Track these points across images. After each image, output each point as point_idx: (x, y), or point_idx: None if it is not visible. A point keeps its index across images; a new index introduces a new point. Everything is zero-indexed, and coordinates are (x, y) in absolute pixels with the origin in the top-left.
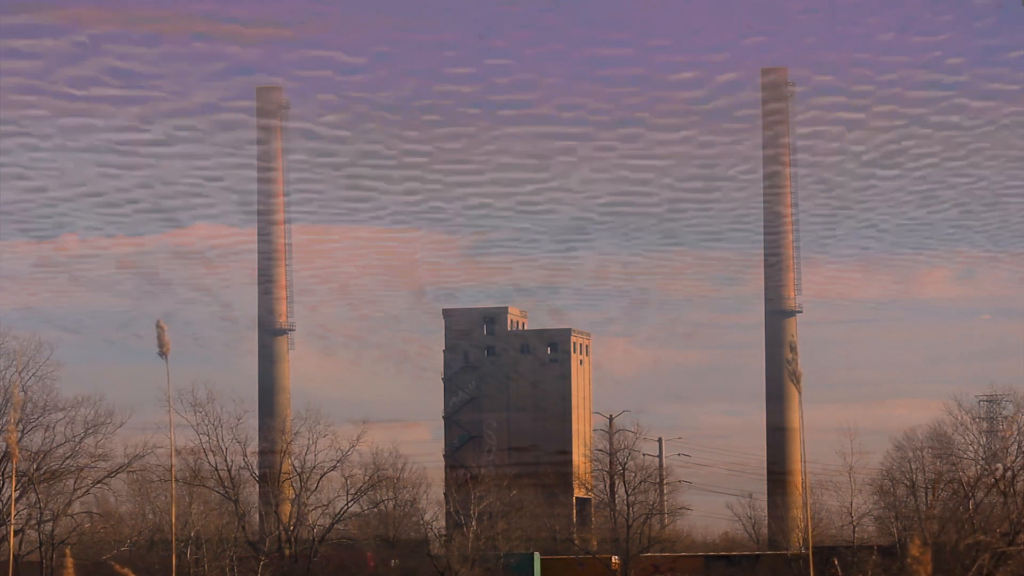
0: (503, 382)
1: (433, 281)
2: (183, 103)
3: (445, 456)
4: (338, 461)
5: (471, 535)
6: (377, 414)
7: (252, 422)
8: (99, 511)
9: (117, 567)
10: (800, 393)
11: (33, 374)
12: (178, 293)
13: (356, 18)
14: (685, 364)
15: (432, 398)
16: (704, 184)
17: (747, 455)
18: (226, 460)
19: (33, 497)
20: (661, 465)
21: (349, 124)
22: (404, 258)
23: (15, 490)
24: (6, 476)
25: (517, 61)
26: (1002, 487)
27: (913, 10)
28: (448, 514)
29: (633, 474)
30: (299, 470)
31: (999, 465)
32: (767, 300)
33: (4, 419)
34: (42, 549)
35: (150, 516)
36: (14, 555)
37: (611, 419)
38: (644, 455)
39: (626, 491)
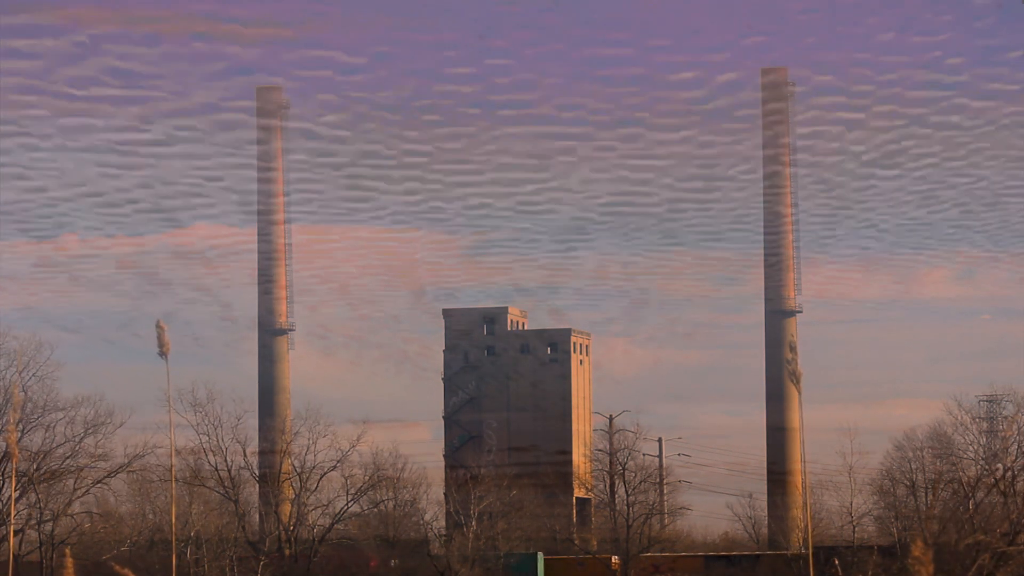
0: (503, 382)
1: (433, 281)
2: (183, 103)
3: (445, 456)
4: (338, 461)
5: (471, 535)
6: (377, 414)
7: (252, 422)
8: (99, 511)
9: (117, 568)
10: (800, 393)
11: (33, 374)
12: (178, 293)
13: (356, 18)
14: (685, 364)
15: (432, 398)
16: (704, 184)
17: (747, 455)
18: (226, 460)
19: (33, 497)
20: (661, 465)
21: (349, 124)
22: (404, 258)
23: (15, 490)
24: (6, 476)
25: (517, 61)
26: (1002, 487)
27: (913, 10)
28: (448, 514)
29: (633, 474)
30: (299, 470)
31: (999, 465)
32: (767, 300)
33: (4, 419)
34: (42, 549)
35: (150, 516)
36: (14, 555)
37: (611, 419)
38: (644, 455)
39: (626, 491)
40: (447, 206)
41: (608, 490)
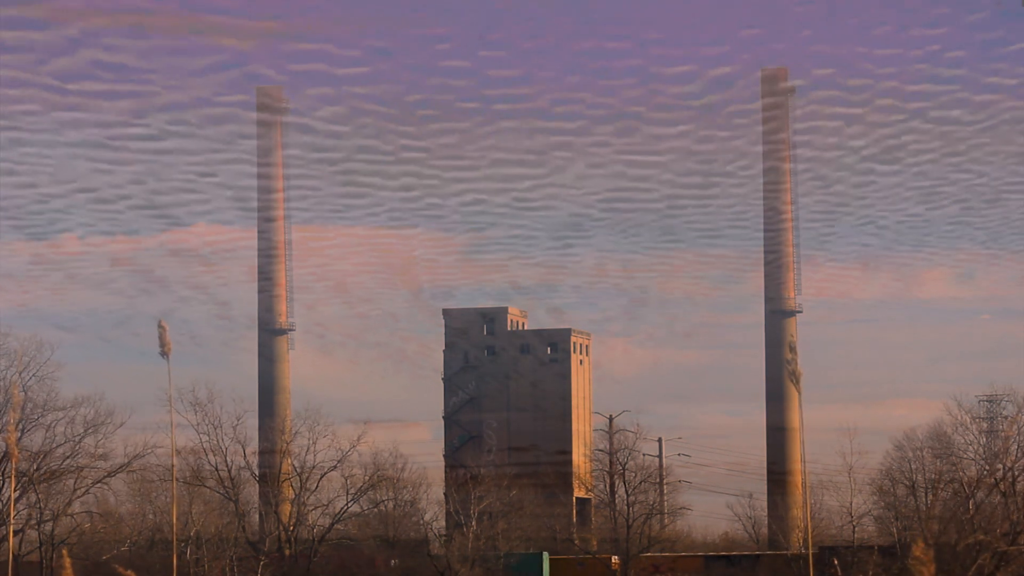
0: (503, 382)
1: (430, 279)
2: (179, 99)
3: (445, 456)
4: (338, 461)
5: (471, 535)
6: (377, 414)
7: (252, 422)
8: (99, 511)
9: (120, 568)
10: (800, 393)
11: (33, 374)
12: (177, 292)
13: (351, 13)
14: (685, 364)
15: (432, 398)
16: (702, 180)
17: (747, 455)
18: (226, 460)
19: (33, 497)
20: (661, 465)
21: (345, 120)
22: (402, 256)
23: (15, 490)
24: (6, 476)
25: (513, 56)
26: (1002, 487)
27: (911, 4)
28: (448, 514)
29: (633, 474)
30: (299, 470)
31: (999, 465)
32: (767, 300)
33: (4, 419)
34: (42, 549)
35: (150, 516)
36: (14, 555)
37: (611, 419)
38: (644, 455)
39: (626, 491)
40: (444, 203)
41: (608, 490)
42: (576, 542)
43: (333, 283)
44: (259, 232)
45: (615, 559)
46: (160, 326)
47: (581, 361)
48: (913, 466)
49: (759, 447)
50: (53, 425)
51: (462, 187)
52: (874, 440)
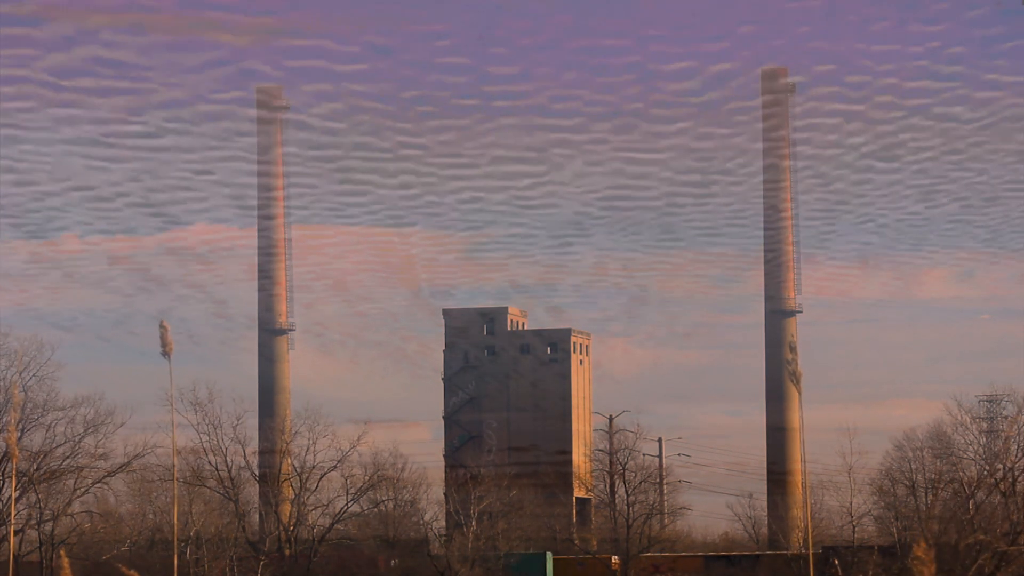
0: (503, 382)
1: (429, 277)
2: (177, 97)
3: (445, 456)
4: (338, 461)
5: (471, 535)
6: (377, 414)
7: (252, 422)
8: (99, 511)
9: (123, 568)
10: (800, 393)
11: (34, 374)
12: (177, 292)
13: (350, 10)
14: (685, 364)
15: (432, 398)
16: (702, 177)
17: (747, 455)
18: (226, 460)
19: (33, 497)
20: (661, 465)
21: (343, 117)
22: (401, 254)
23: (15, 490)
24: (6, 476)
25: (512, 52)
26: (1002, 487)
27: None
28: (448, 514)
29: (633, 474)
30: (299, 470)
31: (999, 465)
32: (767, 300)
33: (4, 419)
34: (42, 549)
35: (150, 516)
36: (14, 555)
37: (611, 419)
38: (644, 455)
39: (626, 491)
40: (442, 201)
41: (608, 490)
42: (576, 542)
43: (332, 282)
44: (259, 231)
45: (615, 559)
46: (162, 326)
47: (581, 361)
48: (913, 466)
49: (759, 447)
50: (53, 425)
51: (461, 184)
52: (874, 440)
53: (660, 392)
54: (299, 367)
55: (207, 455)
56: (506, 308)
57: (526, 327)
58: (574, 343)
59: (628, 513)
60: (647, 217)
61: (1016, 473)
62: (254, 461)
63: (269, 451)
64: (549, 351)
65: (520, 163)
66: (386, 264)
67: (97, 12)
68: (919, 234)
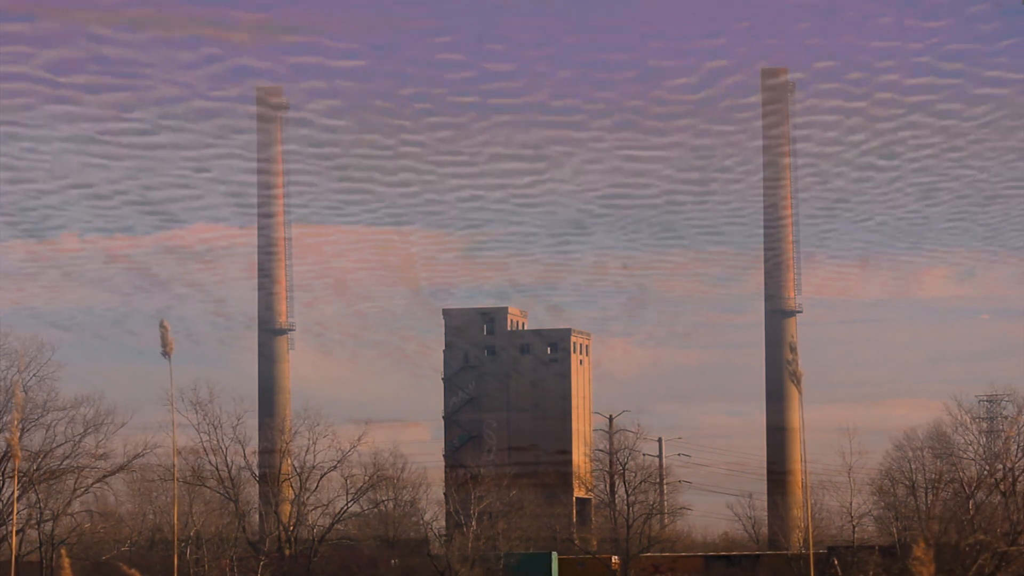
0: (503, 382)
1: (429, 276)
2: (174, 94)
3: (445, 456)
4: (338, 461)
5: (471, 535)
6: (377, 414)
7: (252, 422)
8: (99, 511)
9: (124, 567)
10: (800, 393)
11: (34, 374)
12: (176, 291)
13: (349, 7)
14: (685, 364)
15: (432, 398)
16: (701, 175)
17: (747, 455)
18: (226, 460)
19: (33, 497)
20: (661, 465)
21: (341, 116)
22: (400, 253)
23: (16, 490)
24: (7, 476)
25: (512, 51)
26: (1002, 488)
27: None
28: (448, 514)
29: (633, 474)
30: (299, 470)
31: (999, 465)
32: (767, 300)
33: (4, 419)
34: (42, 549)
35: (150, 516)
36: (16, 555)
37: (611, 419)
38: (644, 455)
39: (626, 491)
40: (441, 199)
41: (608, 490)
42: (576, 542)
43: (332, 281)
44: (259, 230)
45: (615, 559)
46: (162, 326)
47: (581, 361)
48: (913, 466)
49: (759, 447)
50: (53, 425)
51: (459, 182)
52: (874, 440)
53: (660, 392)
54: (299, 367)
55: (207, 455)
56: (506, 308)
57: (526, 327)
58: (574, 343)
59: (628, 513)
60: (647, 215)
61: (1016, 473)
62: (254, 461)
63: (269, 451)
64: (549, 351)
65: (519, 160)
66: (385, 263)
67: (93, 10)
68: (919, 232)
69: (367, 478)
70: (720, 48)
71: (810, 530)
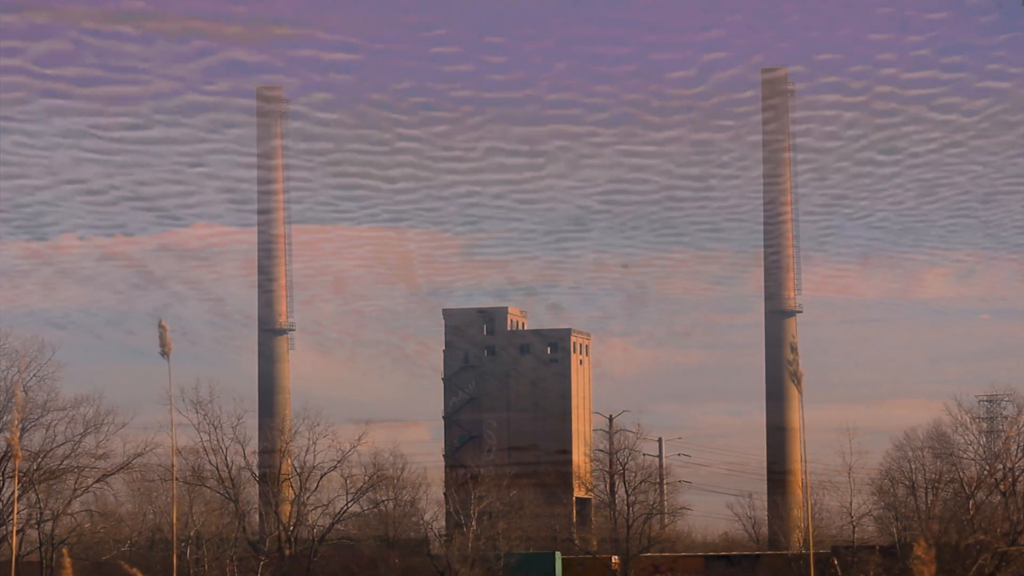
0: (503, 382)
1: (427, 275)
2: (172, 92)
3: (445, 456)
4: (338, 461)
5: (471, 535)
6: (377, 414)
7: (252, 422)
8: (99, 511)
9: (126, 567)
10: (801, 393)
11: (34, 374)
12: (174, 290)
13: (348, 6)
14: (685, 364)
15: (432, 398)
16: (700, 171)
17: (747, 455)
18: (226, 460)
19: (33, 497)
20: (661, 465)
21: (338, 113)
22: (398, 252)
23: (16, 490)
24: (7, 476)
25: (511, 48)
26: (1002, 488)
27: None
28: (448, 514)
29: (633, 474)
30: (299, 470)
31: (999, 465)
32: (767, 299)
33: (4, 419)
34: (42, 549)
35: (150, 516)
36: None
37: (611, 419)
38: (644, 455)
39: (626, 491)
40: (440, 198)
41: (608, 490)
42: (576, 542)
43: (331, 280)
44: (259, 230)
45: (615, 559)
46: (160, 326)
47: (581, 361)
48: (913, 466)
49: (759, 447)
50: (53, 425)
51: (456, 178)
52: (874, 440)
53: (660, 392)
54: (299, 367)
55: (207, 455)
56: (506, 308)
57: (526, 327)
58: (574, 343)
59: (628, 513)
60: (647, 211)
61: (1016, 473)
62: (254, 461)
63: (269, 451)
64: (549, 351)
65: (516, 156)
66: (384, 262)
67: (93, 16)
68: (920, 229)
69: (367, 478)
70: (718, 40)
71: (810, 530)
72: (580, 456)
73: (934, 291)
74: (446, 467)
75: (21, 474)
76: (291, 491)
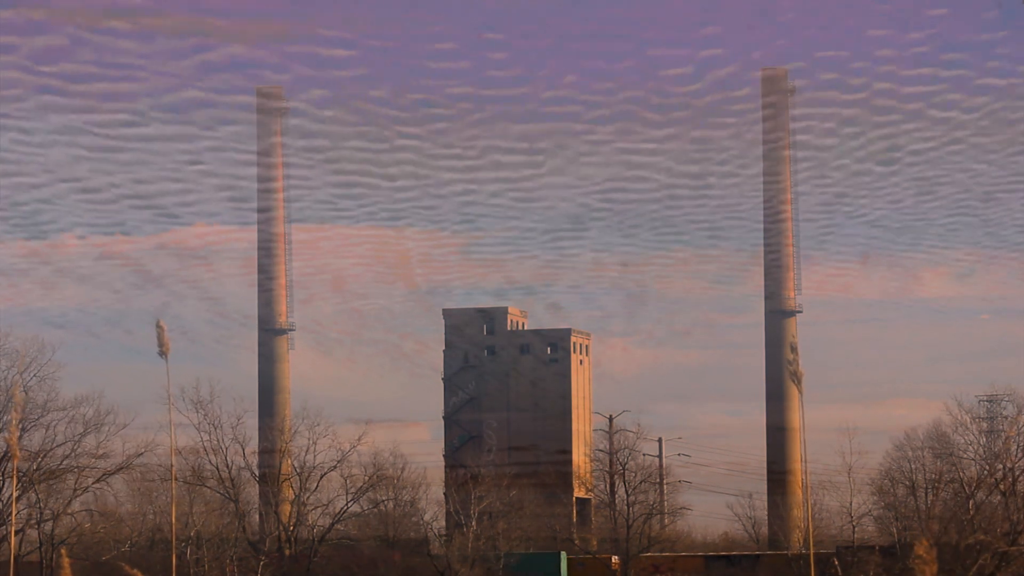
0: (503, 382)
1: (426, 274)
2: (175, 93)
3: (445, 456)
4: (338, 461)
5: (471, 535)
6: (377, 414)
7: (252, 422)
8: (99, 511)
9: (126, 567)
10: (801, 393)
11: (34, 375)
12: (174, 289)
13: (347, 5)
14: (685, 364)
15: (432, 398)
16: (700, 169)
17: (747, 455)
18: (226, 460)
19: (33, 497)
20: (661, 465)
21: (337, 112)
22: (398, 252)
23: (16, 490)
24: (7, 476)
25: (510, 47)
26: (1002, 488)
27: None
28: (448, 514)
29: (633, 474)
30: (299, 470)
31: (999, 465)
32: (767, 299)
33: (4, 419)
34: (42, 549)
35: (150, 516)
36: (15, 555)
37: (611, 419)
38: (644, 455)
39: (626, 491)
40: (439, 198)
41: (608, 490)
42: (576, 542)
43: (330, 279)
44: (258, 229)
45: (615, 559)
46: (158, 326)
47: (581, 361)
48: (913, 466)
49: (759, 447)
50: (53, 425)
51: (454, 176)
52: (874, 440)
53: (660, 392)
54: (299, 367)
55: (207, 455)
56: (506, 308)
57: (526, 327)
58: (574, 343)
59: (628, 513)
60: (646, 210)
61: (1016, 473)
62: (254, 461)
63: (269, 451)
64: (549, 351)
65: (515, 154)
66: (384, 262)
67: (91, 15)
68: (919, 228)
69: (367, 478)
70: (717, 37)
71: (810, 530)
72: (580, 456)
73: (934, 290)
74: (446, 467)
75: (21, 474)
76: (291, 491)
